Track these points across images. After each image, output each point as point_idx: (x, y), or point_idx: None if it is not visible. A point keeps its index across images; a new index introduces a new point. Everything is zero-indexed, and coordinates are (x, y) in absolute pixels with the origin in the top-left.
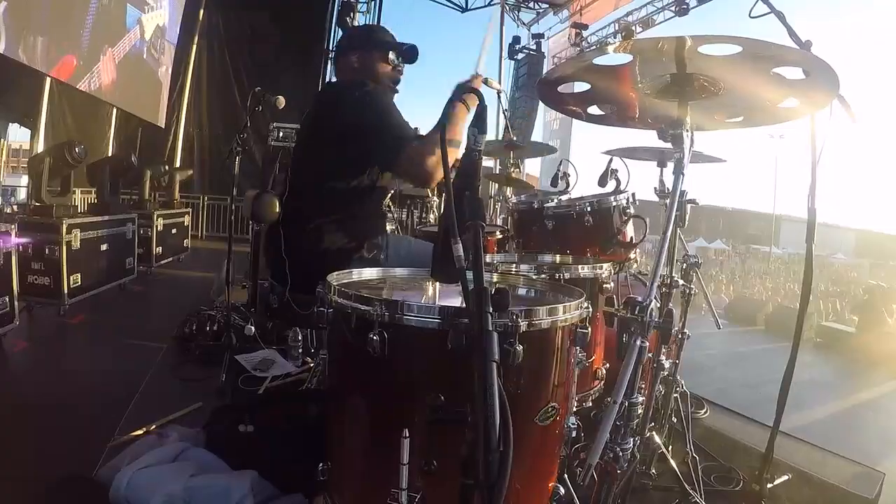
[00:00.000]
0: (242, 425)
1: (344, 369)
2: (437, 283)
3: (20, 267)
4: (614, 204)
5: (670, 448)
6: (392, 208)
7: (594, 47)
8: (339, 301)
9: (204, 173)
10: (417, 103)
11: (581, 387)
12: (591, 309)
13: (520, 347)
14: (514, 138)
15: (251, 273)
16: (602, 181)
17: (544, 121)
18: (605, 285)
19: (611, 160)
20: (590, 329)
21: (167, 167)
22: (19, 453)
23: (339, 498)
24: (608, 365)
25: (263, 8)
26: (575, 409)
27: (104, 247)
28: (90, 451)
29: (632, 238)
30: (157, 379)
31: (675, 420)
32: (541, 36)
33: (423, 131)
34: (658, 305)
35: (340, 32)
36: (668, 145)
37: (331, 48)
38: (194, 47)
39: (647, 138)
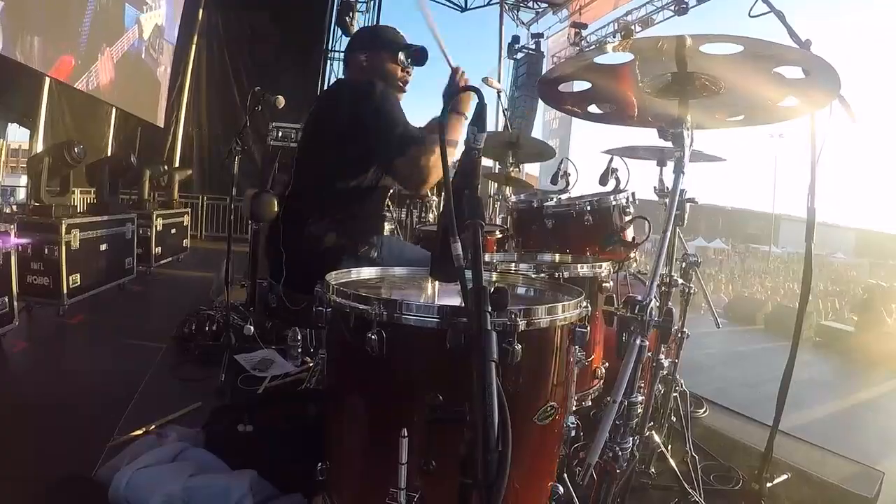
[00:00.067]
0: (242, 425)
1: (343, 369)
2: (436, 283)
3: (19, 267)
4: (614, 203)
5: (669, 447)
6: (391, 208)
7: (594, 47)
8: (337, 300)
9: (203, 173)
10: (417, 103)
11: (580, 386)
12: (590, 308)
13: (519, 346)
14: (512, 130)
15: (250, 273)
16: (602, 180)
17: (544, 120)
18: (604, 284)
19: (611, 159)
20: (589, 328)
21: (166, 167)
22: (19, 453)
23: (337, 497)
24: (607, 364)
25: (263, 8)
26: (574, 408)
27: (103, 247)
28: (90, 451)
29: (633, 238)
30: (157, 379)
31: (675, 419)
32: (540, 35)
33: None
34: (657, 304)
35: (340, 32)
36: (669, 144)
37: (331, 48)
38: (194, 47)
39: (647, 137)
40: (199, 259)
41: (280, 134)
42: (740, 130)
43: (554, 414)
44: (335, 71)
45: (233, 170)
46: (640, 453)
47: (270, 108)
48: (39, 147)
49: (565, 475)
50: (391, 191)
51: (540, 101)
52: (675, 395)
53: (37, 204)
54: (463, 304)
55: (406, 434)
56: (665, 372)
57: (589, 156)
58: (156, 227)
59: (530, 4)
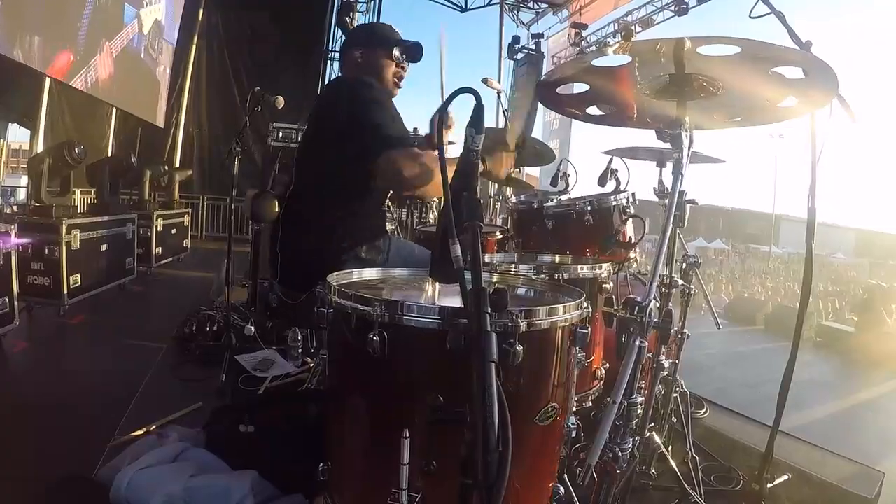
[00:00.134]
0: (242, 425)
1: (344, 369)
2: (437, 284)
3: (20, 267)
4: (614, 204)
5: (670, 448)
6: (392, 208)
7: (594, 48)
8: (339, 301)
9: (203, 173)
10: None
11: (580, 387)
12: (590, 309)
13: (519, 347)
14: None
15: (251, 273)
16: (602, 181)
17: (544, 121)
18: (604, 285)
19: (611, 160)
20: (589, 329)
21: (167, 167)
22: (19, 453)
23: (339, 498)
24: (608, 365)
25: (263, 8)
26: (574, 409)
27: (104, 247)
28: (90, 451)
29: (631, 238)
30: (157, 379)
31: (675, 420)
32: (540, 36)
33: (423, 131)
34: (657, 305)
35: (340, 32)
36: (668, 145)
37: (331, 48)
38: (194, 47)
39: (647, 138)
40: (199, 259)
41: (280, 134)
42: (740, 131)
43: (555, 415)
44: (335, 71)
45: (233, 170)
46: (640, 454)
47: (270, 108)
48: (40, 147)
49: (566, 476)
50: (391, 190)
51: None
52: (675, 395)
53: (37, 204)
54: (463, 306)
55: (408, 435)
56: (665, 373)
57: (589, 157)
58: (156, 227)
59: (530, 5)
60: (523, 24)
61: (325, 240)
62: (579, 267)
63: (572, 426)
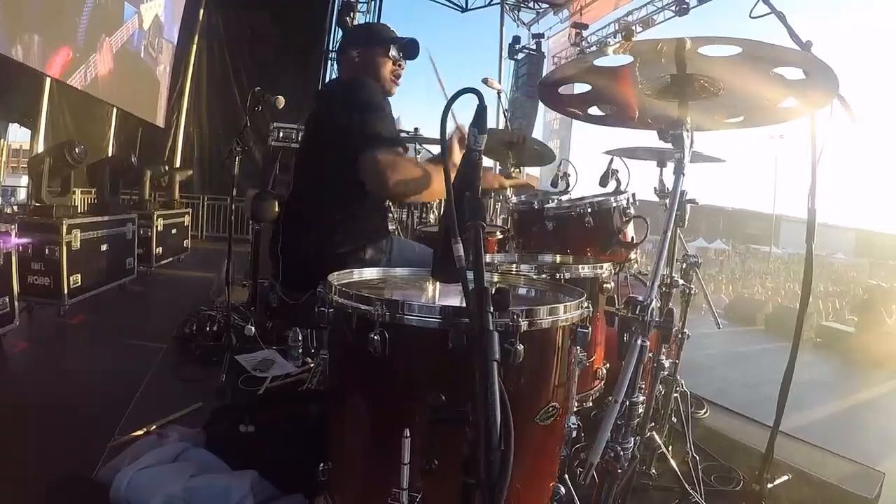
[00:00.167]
0: (243, 425)
1: (344, 369)
2: (438, 283)
3: (20, 267)
4: (614, 204)
5: (670, 448)
6: (392, 208)
7: (594, 48)
8: (339, 301)
9: (204, 173)
10: (417, 103)
11: (581, 387)
12: (591, 309)
13: (520, 347)
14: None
15: (251, 273)
16: (602, 181)
17: (544, 121)
18: (605, 285)
19: (611, 160)
20: (590, 329)
21: (167, 167)
22: (19, 453)
23: (339, 498)
24: (608, 365)
25: (263, 8)
26: (575, 408)
27: (104, 247)
28: (90, 451)
29: (632, 238)
30: (157, 379)
31: (675, 420)
32: (541, 36)
33: (423, 131)
34: (658, 305)
35: (340, 32)
36: (668, 145)
37: (331, 48)
38: (194, 47)
39: (648, 138)
40: (199, 259)
41: (281, 134)
42: (740, 131)
43: (555, 414)
44: (335, 71)
45: (233, 170)
46: (641, 454)
47: (270, 108)
48: (40, 147)
49: (566, 475)
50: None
51: (540, 102)
52: (675, 395)
53: (38, 204)
54: (465, 305)
55: (408, 434)
56: (666, 372)
57: (589, 157)
58: (156, 227)
59: (531, 5)
60: (524, 24)
61: (326, 241)
62: (580, 267)
63: (573, 426)
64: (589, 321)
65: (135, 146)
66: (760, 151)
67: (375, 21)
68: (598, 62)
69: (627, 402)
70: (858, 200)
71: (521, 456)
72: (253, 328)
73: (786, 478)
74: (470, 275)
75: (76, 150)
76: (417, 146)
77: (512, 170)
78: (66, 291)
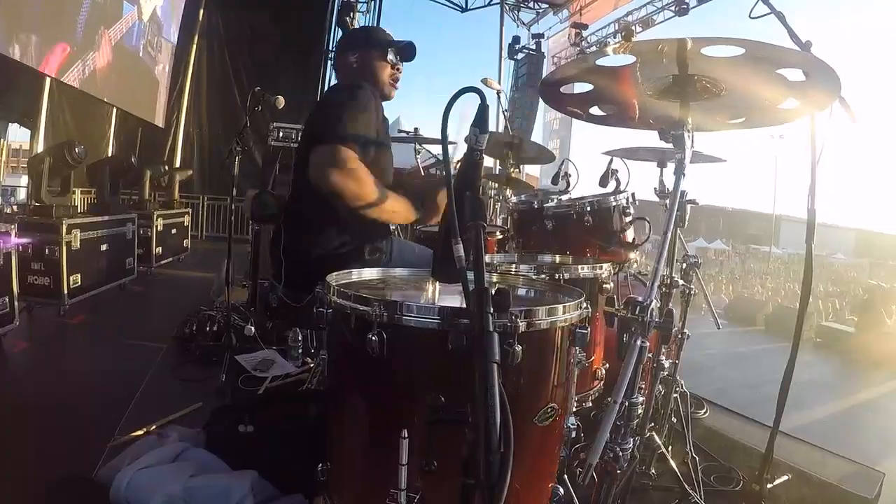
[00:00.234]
0: (242, 425)
1: (343, 370)
2: (437, 284)
3: (20, 267)
4: (614, 204)
5: (670, 448)
6: None
7: (594, 48)
8: (338, 301)
9: (203, 173)
10: (417, 103)
11: (581, 387)
12: (590, 309)
13: (519, 348)
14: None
15: (251, 273)
16: (602, 181)
17: (544, 121)
18: (604, 285)
19: (611, 160)
20: (589, 329)
21: (167, 167)
22: (19, 453)
23: (338, 498)
24: (608, 365)
25: (263, 8)
26: (574, 409)
27: (104, 247)
28: (90, 451)
29: (634, 239)
30: (157, 379)
31: (675, 420)
32: (541, 36)
33: (423, 131)
34: (658, 305)
35: (340, 32)
36: (669, 146)
37: (331, 48)
38: (194, 47)
39: (648, 138)
40: (199, 259)
41: (281, 134)
42: (741, 131)
43: (554, 415)
44: (334, 71)
45: (233, 170)
46: (640, 454)
47: (270, 108)
48: (40, 147)
49: (566, 476)
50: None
51: (540, 102)
52: (675, 395)
53: (37, 204)
54: (464, 305)
55: (406, 435)
56: (665, 373)
57: (589, 157)
58: (156, 227)
59: (531, 5)
60: (524, 24)
61: (327, 241)
62: (580, 267)
63: (572, 426)
64: (588, 322)
65: (135, 146)
66: (760, 151)
67: (375, 22)
68: (600, 62)
69: (627, 403)
70: (858, 200)
71: (520, 457)
72: (253, 328)
73: (786, 478)
74: (470, 275)
75: (76, 149)
76: (417, 146)
77: (511, 169)
78: (65, 291)
